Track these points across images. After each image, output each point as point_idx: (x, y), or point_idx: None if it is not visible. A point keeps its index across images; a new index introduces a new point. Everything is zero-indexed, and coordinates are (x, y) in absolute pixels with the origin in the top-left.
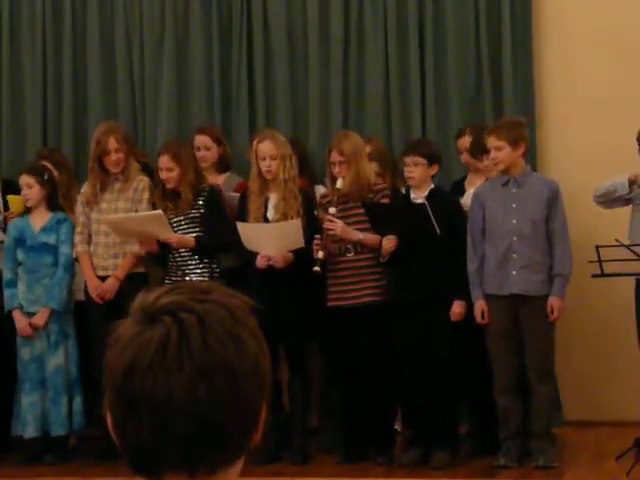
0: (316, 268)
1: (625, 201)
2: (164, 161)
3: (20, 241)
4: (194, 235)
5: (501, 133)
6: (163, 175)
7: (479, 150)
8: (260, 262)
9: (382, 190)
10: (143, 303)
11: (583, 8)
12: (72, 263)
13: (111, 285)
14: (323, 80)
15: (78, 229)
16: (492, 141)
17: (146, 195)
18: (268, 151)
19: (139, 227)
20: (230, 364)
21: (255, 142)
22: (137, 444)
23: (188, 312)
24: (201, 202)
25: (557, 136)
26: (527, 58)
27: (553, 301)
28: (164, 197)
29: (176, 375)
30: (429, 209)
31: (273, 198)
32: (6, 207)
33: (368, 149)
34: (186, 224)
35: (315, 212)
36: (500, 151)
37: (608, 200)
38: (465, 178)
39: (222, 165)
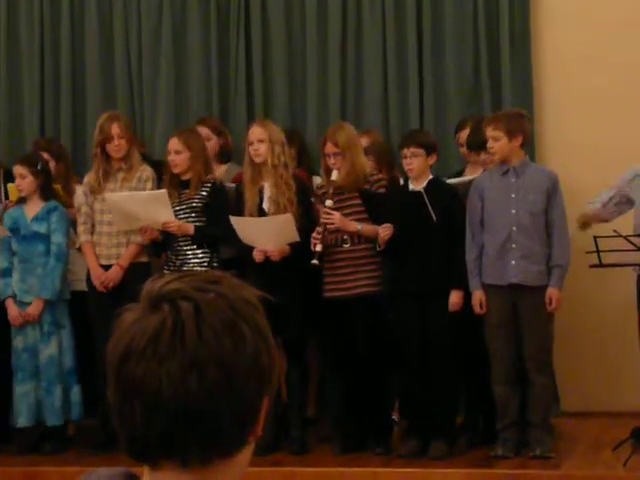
0: (314, 261)
1: (628, 203)
2: (173, 143)
3: (15, 231)
4: (194, 224)
5: (498, 123)
6: (171, 157)
7: (476, 144)
8: (257, 256)
9: (378, 181)
10: (149, 289)
11: (581, 1)
12: (65, 252)
13: (115, 274)
14: (321, 72)
15: (81, 219)
16: (488, 131)
17: (149, 185)
18: (257, 135)
19: (141, 207)
20: (224, 357)
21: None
22: (131, 430)
23: (187, 301)
24: (204, 193)
25: (555, 128)
26: (525, 50)
27: (551, 292)
28: (170, 185)
29: (167, 364)
30: (426, 197)
31: (267, 188)
32: (7, 196)
33: (366, 141)
34: (186, 213)
35: (312, 200)
36: (497, 141)
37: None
38: (463, 170)
39: (223, 156)
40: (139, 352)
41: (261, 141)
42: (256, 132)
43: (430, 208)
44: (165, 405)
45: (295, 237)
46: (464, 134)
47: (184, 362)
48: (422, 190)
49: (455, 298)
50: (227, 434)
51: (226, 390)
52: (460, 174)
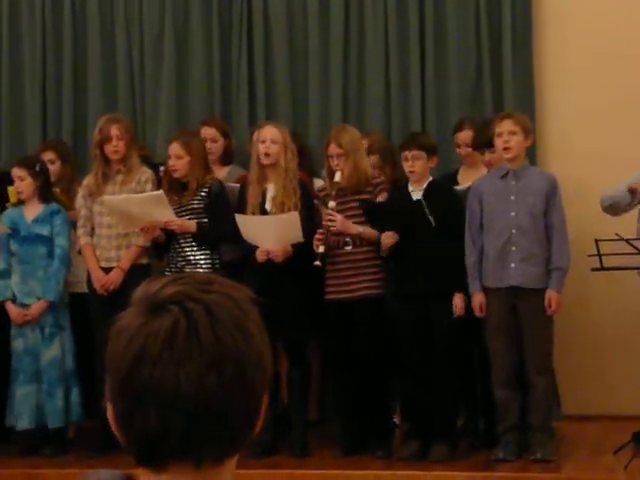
0: (317, 262)
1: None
2: (174, 148)
3: (13, 232)
4: (196, 221)
5: (517, 119)
6: (171, 162)
7: (482, 143)
8: (260, 256)
9: (380, 184)
10: (147, 293)
11: (583, 4)
12: (68, 255)
13: (116, 276)
14: (323, 74)
15: (80, 222)
16: (507, 124)
17: (149, 187)
18: (270, 135)
19: (139, 209)
20: (239, 355)
21: (257, 130)
22: (144, 435)
23: (195, 302)
24: (204, 194)
25: (557, 131)
26: (527, 52)
27: (551, 295)
28: (170, 190)
29: (185, 365)
30: (424, 204)
31: (271, 189)
32: (7, 199)
33: (366, 143)
34: (187, 214)
35: (315, 202)
36: (514, 135)
37: (617, 211)
38: (457, 172)
39: (226, 157)
40: (153, 356)
41: (274, 142)
42: (271, 132)
43: (429, 214)
44: (184, 406)
45: (299, 237)
46: (463, 135)
47: (202, 362)
48: (421, 198)
49: (458, 301)
50: (240, 432)
51: (241, 387)
52: (454, 175)
